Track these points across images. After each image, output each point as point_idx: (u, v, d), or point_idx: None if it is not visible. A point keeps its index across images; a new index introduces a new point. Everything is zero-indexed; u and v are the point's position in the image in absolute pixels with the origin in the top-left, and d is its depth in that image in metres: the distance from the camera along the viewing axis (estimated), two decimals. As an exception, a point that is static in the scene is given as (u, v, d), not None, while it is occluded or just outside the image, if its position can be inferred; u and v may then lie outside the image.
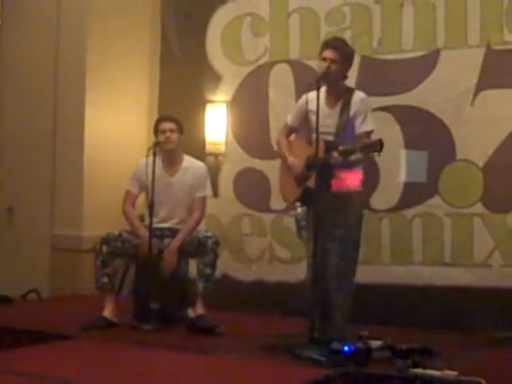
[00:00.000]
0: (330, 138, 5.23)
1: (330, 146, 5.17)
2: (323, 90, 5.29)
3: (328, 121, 5.26)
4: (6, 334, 5.58)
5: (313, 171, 5.15)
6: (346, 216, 5.28)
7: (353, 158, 5.15)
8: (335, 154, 5.10)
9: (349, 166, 5.24)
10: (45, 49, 7.69)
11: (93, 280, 5.93)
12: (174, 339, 5.50)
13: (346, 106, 5.27)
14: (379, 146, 4.89)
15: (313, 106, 5.15)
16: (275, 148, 6.03)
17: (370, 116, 5.36)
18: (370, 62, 6.48)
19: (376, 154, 4.99)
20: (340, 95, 5.33)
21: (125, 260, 6.38)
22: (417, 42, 6.35)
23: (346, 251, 5.30)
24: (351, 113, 5.27)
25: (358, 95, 5.35)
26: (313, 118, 5.18)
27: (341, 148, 5.11)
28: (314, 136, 5.12)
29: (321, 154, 5.10)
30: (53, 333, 5.52)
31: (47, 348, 5.23)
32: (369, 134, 5.30)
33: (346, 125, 5.26)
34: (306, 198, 5.26)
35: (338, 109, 5.30)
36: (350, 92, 5.35)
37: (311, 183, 5.17)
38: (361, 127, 5.29)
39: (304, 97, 5.46)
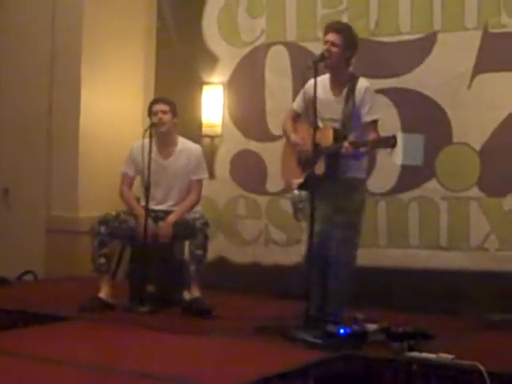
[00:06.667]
0: (336, 125, 5.21)
1: (338, 135, 5.17)
2: (327, 76, 5.25)
3: (333, 108, 5.24)
4: (2, 315, 5.58)
5: (319, 158, 5.14)
6: (349, 202, 5.26)
7: (362, 149, 5.11)
8: (346, 144, 5.07)
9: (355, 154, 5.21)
10: (40, 31, 7.65)
11: (89, 261, 5.92)
12: (169, 321, 5.50)
13: (351, 93, 5.23)
14: (392, 143, 4.89)
15: (317, 92, 5.10)
16: (275, 131, 5.98)
17: (376, 105, 5.33)
18: (367, 45, 6.41)
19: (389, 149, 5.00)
20: (344, 82, 5.29)
21: (121, 241, 6.38)
22: (414, 25, 6.33)
23: (348, 238, 5.30)
24: (356, 101, 5.23)
25: (362, 84, 5.28)
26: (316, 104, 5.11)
27: (352, 140, 5.10)
28: (319, 122, 5.11)
29: (329, 140, 5.12)
30: (49, 314, 5.52)
31: (43, 329, 5.22)
32: (374, 123, 5.26)
33: (351, 113, 5.22)
34: (309, 183, 5.19)
35: (343, 96, 5.26)
36: (354, 79, 5.30)
37: (318, 169, 5.15)
38: (366, 116, 5.24)
39: (310, 82, 5.40)
